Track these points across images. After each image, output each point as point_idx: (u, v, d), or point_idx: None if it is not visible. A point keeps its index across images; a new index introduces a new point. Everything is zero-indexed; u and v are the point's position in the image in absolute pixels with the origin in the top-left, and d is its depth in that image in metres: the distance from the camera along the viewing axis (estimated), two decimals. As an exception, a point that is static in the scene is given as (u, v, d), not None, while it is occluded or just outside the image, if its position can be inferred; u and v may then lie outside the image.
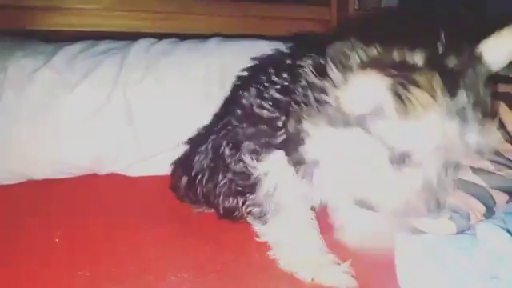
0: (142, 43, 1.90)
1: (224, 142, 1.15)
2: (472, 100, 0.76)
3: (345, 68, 0.79)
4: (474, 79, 0.78)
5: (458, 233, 1.18)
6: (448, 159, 0.82)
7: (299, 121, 0.87)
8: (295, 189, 0.99)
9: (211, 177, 1.24)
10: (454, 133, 0.76)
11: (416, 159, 0.80)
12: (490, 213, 1.23)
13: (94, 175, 1.83)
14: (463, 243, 1.10)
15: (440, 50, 0.79)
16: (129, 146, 1.77)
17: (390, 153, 0.80)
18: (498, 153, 1.33)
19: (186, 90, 1.81)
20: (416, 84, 0.69)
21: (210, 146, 1.27)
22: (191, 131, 1.71)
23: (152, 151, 1.80)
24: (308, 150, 0.89)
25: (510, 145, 1.38)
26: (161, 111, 1.79)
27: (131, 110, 1.76)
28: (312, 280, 0.99)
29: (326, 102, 0.83)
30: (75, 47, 1.84)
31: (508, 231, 1.11)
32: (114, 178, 1.83)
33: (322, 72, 0.84)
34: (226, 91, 1.80)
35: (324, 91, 0.82)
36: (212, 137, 1.27)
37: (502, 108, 1.41)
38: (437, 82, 0.71)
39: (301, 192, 1.00)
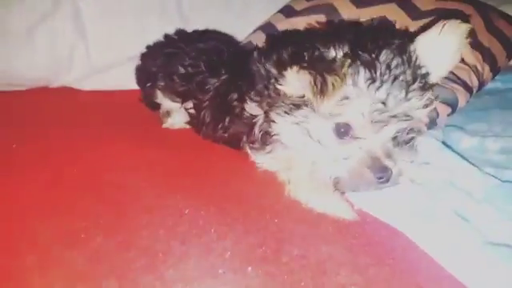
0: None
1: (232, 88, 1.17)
2: (403, 78, 0.90)
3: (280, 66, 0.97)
4: (403, 64, 0.92)
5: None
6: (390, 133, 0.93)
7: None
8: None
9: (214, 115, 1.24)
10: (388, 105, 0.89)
11: (357, 132, 0.92)
12: (432, 124, 1.29)
13: (46, 88, 1.74)
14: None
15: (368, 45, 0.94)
16: (80, 57, 1.68)
17: (333, 126, 0.93)
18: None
19: (141, 1, 1.70)
20: (329, 72, 0.85)
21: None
22: (144, 45, 1.65)
23: (103, 63, 1.72)
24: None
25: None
26: (114, 22, 1.68)
27: (81, 20, 1.65)
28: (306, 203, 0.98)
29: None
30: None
31: (443, 142, 1.18)
32: (68, 92, 1.75)
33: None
34: (181, 4, 1.73)
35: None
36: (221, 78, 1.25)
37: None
38: (348, 68, 0.87)
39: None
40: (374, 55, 0.91)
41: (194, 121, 1.32)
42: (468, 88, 1.38)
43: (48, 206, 0.91)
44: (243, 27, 1.77)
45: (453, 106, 1.33)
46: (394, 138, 0.96)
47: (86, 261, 0.74)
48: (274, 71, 1.00)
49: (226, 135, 1.19)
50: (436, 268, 0.79)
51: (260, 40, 1.66)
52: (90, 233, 0.81)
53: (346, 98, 0.89)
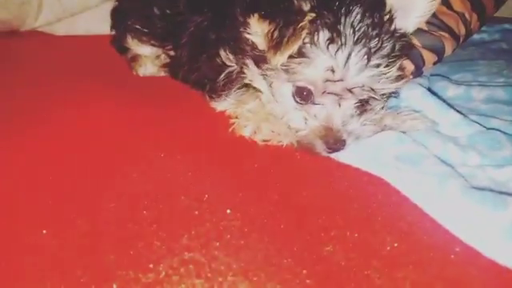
0: None
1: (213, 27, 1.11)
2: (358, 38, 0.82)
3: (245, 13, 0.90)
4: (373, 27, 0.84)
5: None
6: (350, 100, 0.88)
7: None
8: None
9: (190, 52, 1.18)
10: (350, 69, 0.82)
11: (317, 98, 0.87)
12: (418, 72, 1.24)
13: (16, 33, 1.62)
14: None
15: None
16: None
17: (294, 89, 0.89)
18: (433, 14, 1.31)
19: None
20: (287, 24, 0.80)
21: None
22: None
23: (75, 5, 1.60)
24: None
25: (444, 7, 1.37)
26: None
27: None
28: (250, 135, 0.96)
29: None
30: None
31: (429, 89, 1.14)
32: (38, 36, 1.63)
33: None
34: None
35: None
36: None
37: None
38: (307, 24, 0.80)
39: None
40: (340, 14, 0.83)
41: (172, 63, 1.26)
42: (455, 36, 1.32)
43: (35, 164, 0.82)
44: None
45: (439, 53, 1.28)
46: (358, 107, 0.91)
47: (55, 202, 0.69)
48: (240, 18, 0.93)
49: (196, 77, 1.15)
50: (418, 213, 0.76)
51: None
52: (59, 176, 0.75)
53: (306, 57, 0.83)
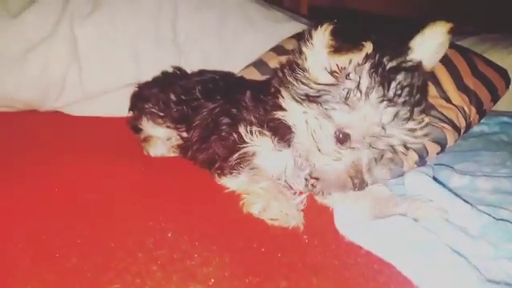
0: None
1: (225, 113, 1.18)
2: (405, 97, 0.88)
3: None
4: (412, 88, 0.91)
5: (390, 179, 1.20)
6: (379, 149, 0.94)
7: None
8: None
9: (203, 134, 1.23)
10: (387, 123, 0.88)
11: (354, 143, 0.93)
12: (422, 161, 1.25)
13: (35, 112, 1.68)
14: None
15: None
16: (72, 81, 1.63)
17: (335, 131, 0.94)
18: (433, 107, 1.36)
19: (137, 30, 1.68)
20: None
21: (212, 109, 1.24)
22: (138, 73, 1.63)
23: (96, 89, 1.67)
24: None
25: (443, 101, 1.42)
26: (108, 49, 1.65)
27: (77, 44, 1.62)
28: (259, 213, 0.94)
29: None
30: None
31: (434, 178, 1.13)
32: (56, 117, 1.69)
33: None
34: (176, 35, 1.72)
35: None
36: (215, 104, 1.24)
37: (439, 67, 1.44)
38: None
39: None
40: (391, 75, 0.89)
41: (184, 144, 1.29)
42: (456, 128, 1.36)
43: (29, 223, 0.83)
44: (234, 58, 1.76)
45: (442, 144, 1.30)
46: (380, 156, 0.97)
47: (59, 281, 0.66)
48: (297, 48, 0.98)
49: (205, 156, 1.18)
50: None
51: (252, 75, 1.65)
52: (65, 252, 0.73)
53: (355, 106, 0.89)
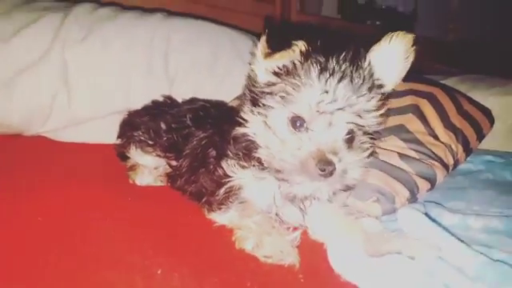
0: (85, 6, 1.72)
1: (213, 144, 1.17)
2: (345, 67, 0.95)
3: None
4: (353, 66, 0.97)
5: (383, 215, 1.19)
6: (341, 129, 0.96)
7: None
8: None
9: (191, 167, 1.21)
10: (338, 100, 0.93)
11: (310, 124, 0.94)
12: (413, 198, 1.24)
13: (19, 136, 1.62)
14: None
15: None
16: (60, 106, 1.59)
17: (289, 117, 0.96)
18: (421, 143, 1.36)
19: (128, 59, 1.65)
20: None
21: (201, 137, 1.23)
22: (127, 101, 1.60)
23: (84, 115, 1.63)
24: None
25: (431, 138, 1.43)
26: (98, 76, 1.62)
27: (67, 70, 1.58)
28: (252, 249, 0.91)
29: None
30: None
31: (426, 214, 1.12)
32: (42, 142, 1.63)
33: None
34: (167, 63, 1.71)
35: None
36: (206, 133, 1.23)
37: (425, 104, 1.46)
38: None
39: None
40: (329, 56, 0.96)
41: (173, 172, 1.26)
42: (445, 165, 1.36)
43: (9, 254, 0.79)
44: (225, 91, 1.74)
45: (432, 181, 1.29)
46: (348, 140, 0.97)
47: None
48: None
49: (193, 188, 1.15)
50: None
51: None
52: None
53: (299, 86, 0.93)
